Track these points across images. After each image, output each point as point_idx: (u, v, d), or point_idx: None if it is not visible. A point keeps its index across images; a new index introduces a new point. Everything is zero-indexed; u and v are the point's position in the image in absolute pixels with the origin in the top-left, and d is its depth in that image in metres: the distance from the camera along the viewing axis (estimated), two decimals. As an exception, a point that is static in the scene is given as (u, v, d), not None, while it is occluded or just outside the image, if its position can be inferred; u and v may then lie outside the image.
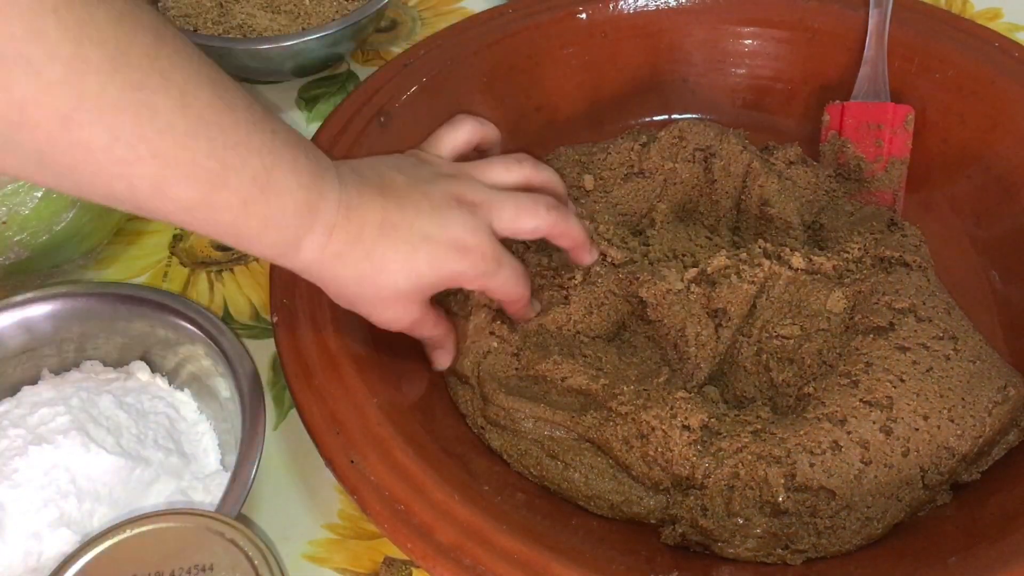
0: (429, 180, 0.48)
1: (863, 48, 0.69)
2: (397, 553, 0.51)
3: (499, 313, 0.54)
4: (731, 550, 0.47)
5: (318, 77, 0.80)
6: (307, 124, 0.76)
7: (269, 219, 0.41)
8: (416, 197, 0.46)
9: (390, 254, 0.45)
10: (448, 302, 0.56)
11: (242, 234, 0.41)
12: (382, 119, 0.63)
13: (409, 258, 0.45)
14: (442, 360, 0.54)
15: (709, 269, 0.55)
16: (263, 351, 0.60)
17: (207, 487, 0.49)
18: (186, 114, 0.36)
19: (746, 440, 0.48)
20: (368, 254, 0.44)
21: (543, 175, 0.53)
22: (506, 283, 0.49)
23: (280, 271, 0.54)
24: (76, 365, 0.54)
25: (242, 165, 0.39)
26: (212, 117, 0.38)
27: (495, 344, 0.54)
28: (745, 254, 0.55)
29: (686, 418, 0.49)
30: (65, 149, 0.35)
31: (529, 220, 0.49)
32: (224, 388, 0.51)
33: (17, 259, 0.55)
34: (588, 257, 0.55)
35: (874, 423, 0.48)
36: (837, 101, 0.69)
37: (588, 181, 0.62)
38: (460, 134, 0.54)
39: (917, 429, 0.48)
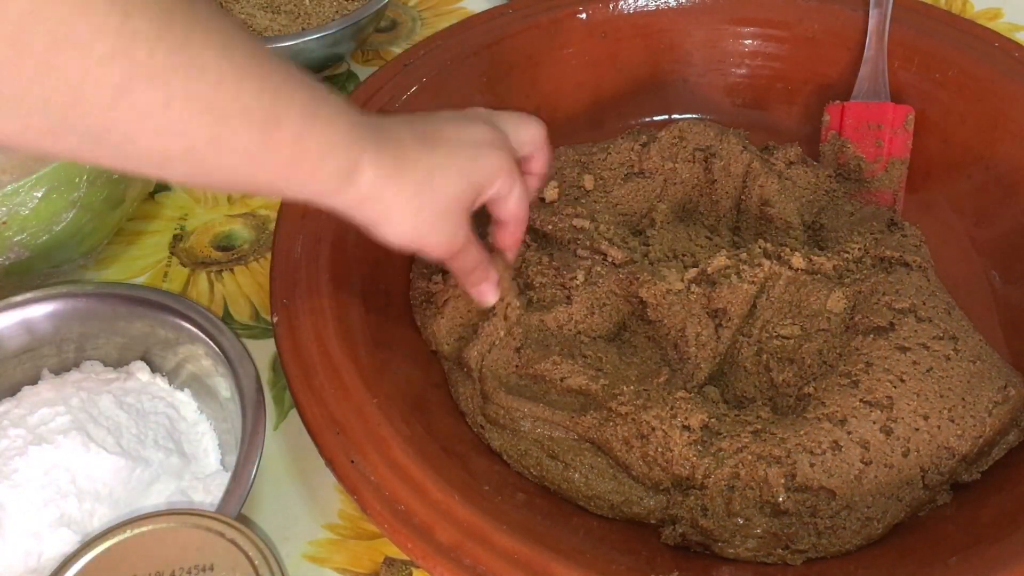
0: (437, 114, 0.50)
1: (863, 48, 0.69)
2: (397, 553, 0.51)
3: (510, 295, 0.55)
4: (731, 550, 0.47)
5: (318, 77, 0.79)
6: (307, 124, 0.76)
7: (324, 148, 0.41)
8: (436, 120, 0.48)
9: (436, 159, 0.46)
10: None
11: (302, 171, 0.41)
12: (382, 119, 0.63)
13: (456, 160, 0.46)
14: (489, 294, 0.54)
15: (709, 269, 0.55)
16: (263, 351, 0.60)
17: (207, 487, 0.49)
18: (232, 64, 0.37)
19: (746, 440, 0.48)
20: (416, 164, 0.45)
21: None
22: (521, 199, 0.50)
23: (280, 270, 0.54)
24: (76, 365, 0.54)
25: (289, 101, 0.39)
26: (253, 64, 0.38)
27: (502, 334, 0.54)
28: (745, 254, 0.55)
29: (686, 418, 0.49)
30: (121, 121, 0.35)
31: (525, 129, 0.51)
32: (224, 388, 0.51)
33: (17, 259, 0.55)
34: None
35: (874, 423, 0.48)
36: (837, 101, 0.69)
37: (588, 181, 0.62)
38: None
39: (917, 429, 0.48)
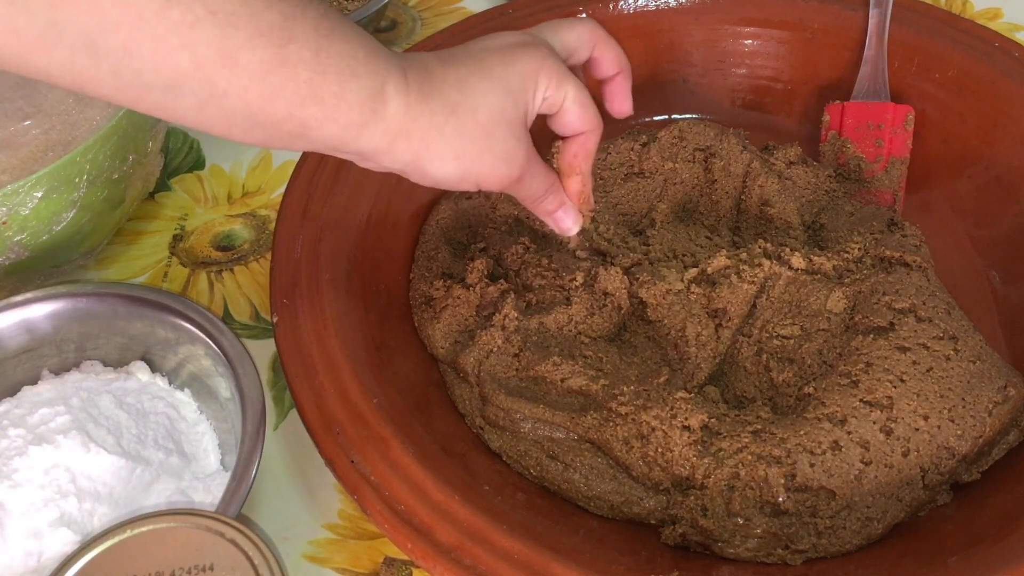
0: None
1: (863, 48, 0.69)
2: (397, 553, 0.51)
3: (509, 304, 0.55)
4: (731, 550, 0.47)
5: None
6: (307, 124, 0.76)
7: (345, 69, 0.37)
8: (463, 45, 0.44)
9: (464, 72, 0.41)
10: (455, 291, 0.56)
11: (325, 92, 0.37)
12: (382, 119, 0.63)
13: (486, 70, 0.41)
14: (565, 221, 0.48)
15: (709, 269, 0.55)
16: (263, 351, 0.60)
17: (207, 487, 0.49)
18: None
19: (746, 440, 0.48)
20: (444, 82, 0.40)
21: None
22: (579, 101, 0.45)
23: (280, 270, 0.54)
24: (76, 365, 0.54)
25: (301, 13, 0.36)
26: None
27: (500, 343, 0.54)
28: (745, 254, 0.55)
29: (686, 418, 0.49)
30: (114, 24, 0.32)
31: (569, 29, 0.46)
32: (224, 388, 0.51)
33: (17, 259, 0.55)
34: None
35: (874, 423, 0.48)
36: (837, 101, 0.69)
37: (588, 181, 0.62)
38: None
39: (917, 429, 0.48)
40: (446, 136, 0.40)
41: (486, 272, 0.56)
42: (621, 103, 0.50)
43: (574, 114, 0.45)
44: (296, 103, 0.37)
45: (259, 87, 0.35)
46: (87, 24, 0.32)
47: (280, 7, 0.35)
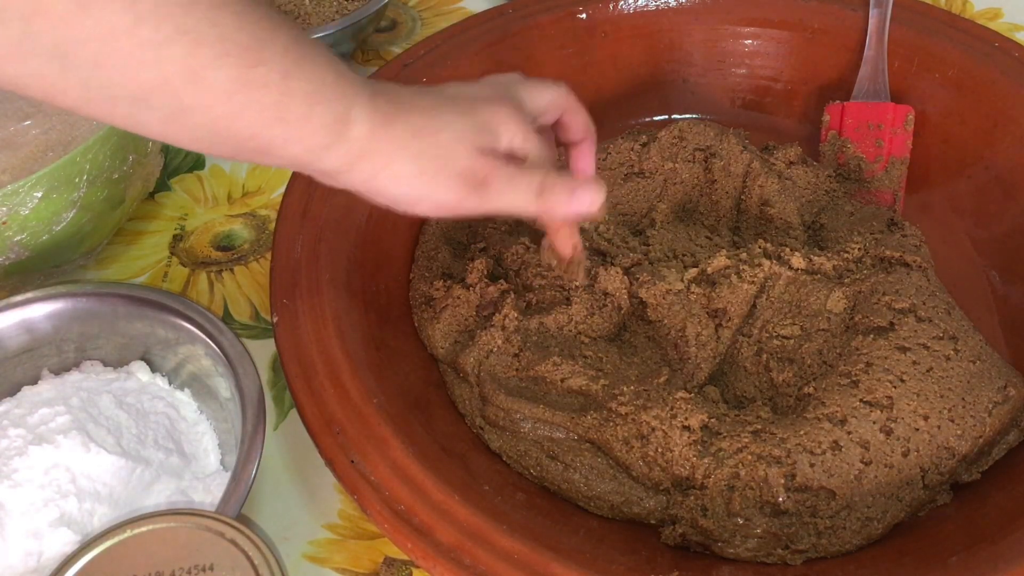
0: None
1: (863, 48, 0.69)
2: (397, 553, 0.51)
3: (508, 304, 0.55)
4: (731, 550, 0.47)
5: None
6: (307, 124, 0.76)
7: (312, 93, 0.38)
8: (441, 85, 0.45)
9: (433, 102, 0.42)
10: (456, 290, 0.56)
11: (291, 115, 0.38)
12: (382, 119, 0.63)
13: (456, 105, 0.42)
14: (588, 196, 0.45)
15: (709, 269, 0.55)
16: (263, 351, 0.60)
17: (207, 487, 0.49)
18: None
19: (746, 440, 0.48)
20: (411, 108, 0.41)
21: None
22: (542, 160, 0.45)
23: (280, 270, 0.54)
24: (76, 365, 0.54)
25: (271, 37, 0.36)
26: None
27: (500, 343, 0.54)
28: (745, 254, 0.55)
29: (686, 418, 0.49)
30: (86, 37, 0.33)
31: (543, 93, 0.47)
32: (224, 388, 0.51)
33: (17, 259, 0.55)
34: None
35: (874, 423, 0.48)
36: (837, 101, 0.69)
37: (588, 181, 0.62)
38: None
39: (917, 429, 0.48)
40: (406, 156, 0.41)
41: (486, 272, 0.56)
42: (585, 167, 0.51)
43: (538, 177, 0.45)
44: (261, 123, 0.37)
45: (224, 105, 0.36)
46: (60, 36, 0.33)
47: (251, 30, 0.36)
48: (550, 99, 0.48)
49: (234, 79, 0.36)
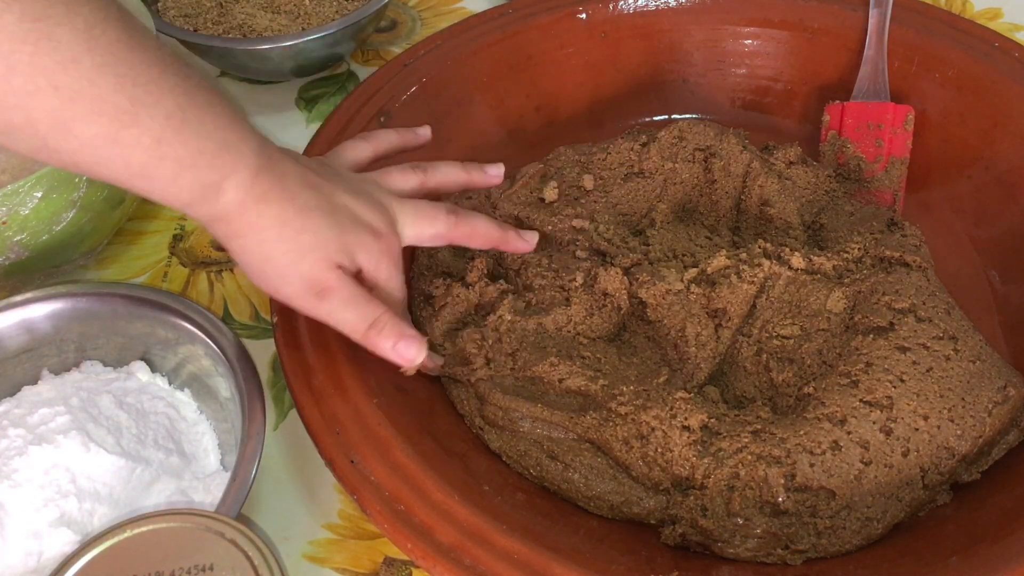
0: (338, 174, 0.49)
1: (863, 48, 0.69)
2: (397, 553, 0.51)
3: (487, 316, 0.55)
4: (731, 550, 0.47)
5: (318, 77, 0.80)
6: (307, 124, 0.76)
7: (185, 160, 0.39)
8: (333, 178, 0.47)
9: (313, 201, 0.44)
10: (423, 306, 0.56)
11: (156, 176, 0.39)
12: (382, 119, 0.63)
13: (332, 213, 0.45)
14: (409, 351, 0.47)
15: (709, 269, 0.55)
16: (263, 351, 0.60)
17: (207, 487, 0.49)
18: (92, 48, 0.36)
19: (746, 440, 0.48)
20: (293, 198, 0.43)
21: (438, 178, 0.54)
22: (392, 289, 0.48)
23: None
24: (76, 365, 0.54)
25: (155, 103, 0.38)
26: (121, 54, 0.37)
27: (491, 342, 0.54)
28: (745, 254, 0.55)
29: (686, 418, 0.49)
30: None
31: (427, 226, 0.50)
32: (224, 388, 0.51)
33: (17, 259, 0.55)
34: (522, 244, 0.54)
35: (874, 423, 0.48)
36: (837, 101, 0.69)
37: (588, 181, 0.62)
38: (365, 148, 0.54)
39: (917, 429, 0.48)
40: (264, 238, 0.43)
41: (486, 271, 0.57)
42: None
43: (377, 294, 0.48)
44: (124, 175, 0.39)
45: (90, 155, 0.38)
46: None
47: (132, 92, 0.37)
48: (431, 235, 0.50)
49: (104, 135, 0.37)
